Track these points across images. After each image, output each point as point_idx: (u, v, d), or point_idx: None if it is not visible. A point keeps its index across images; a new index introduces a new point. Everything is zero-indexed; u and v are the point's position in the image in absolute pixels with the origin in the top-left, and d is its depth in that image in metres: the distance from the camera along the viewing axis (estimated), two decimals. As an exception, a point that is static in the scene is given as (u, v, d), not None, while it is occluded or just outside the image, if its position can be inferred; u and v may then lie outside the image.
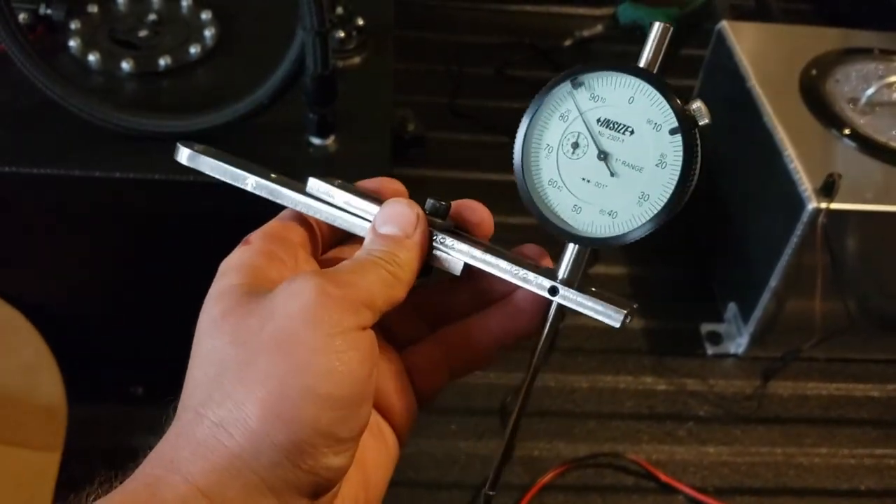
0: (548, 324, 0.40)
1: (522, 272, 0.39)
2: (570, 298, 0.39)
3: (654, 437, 1.00)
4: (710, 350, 1.09)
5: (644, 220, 0.38)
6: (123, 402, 0.95)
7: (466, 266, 0.40)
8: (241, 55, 0.93)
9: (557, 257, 0.41)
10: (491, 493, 0.43)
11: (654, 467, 0.96)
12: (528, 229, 0.43)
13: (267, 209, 0.42)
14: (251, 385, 0.34)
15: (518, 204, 0.40)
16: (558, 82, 0.39)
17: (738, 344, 1.08)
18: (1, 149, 0.79)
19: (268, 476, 0.34)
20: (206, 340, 0.36)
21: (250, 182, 0.42)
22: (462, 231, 0.42)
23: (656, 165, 0.37)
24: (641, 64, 0.38)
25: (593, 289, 0.40)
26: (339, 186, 0.41)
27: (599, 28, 1.51)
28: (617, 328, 0.39)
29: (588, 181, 0.39)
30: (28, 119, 0.82)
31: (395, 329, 0.42)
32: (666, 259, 1.20)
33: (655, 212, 0.37)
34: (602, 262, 1.18)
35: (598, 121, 0.38)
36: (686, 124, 0.37)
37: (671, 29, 0.37)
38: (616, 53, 1.48)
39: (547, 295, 0.39)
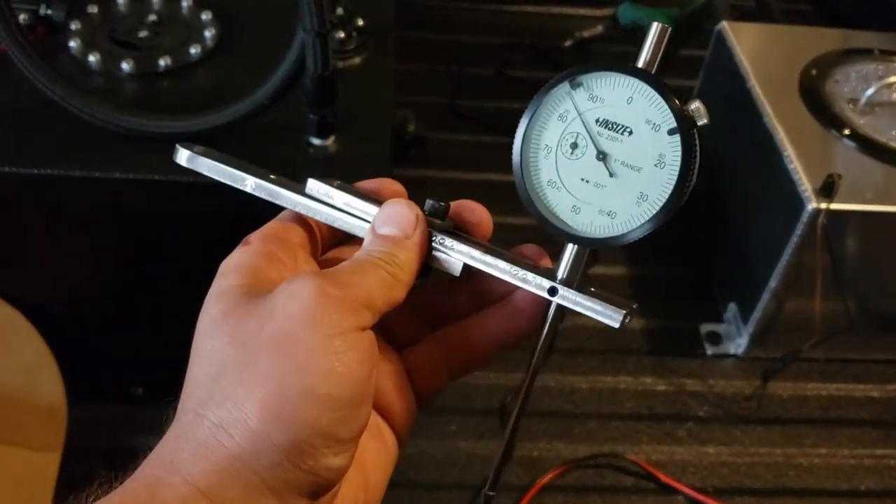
0: (547, 324, 0.40)
1: (522, 272, 0.39)
2: (569, 299, 0.39)
3: (654, 438, 1.00)
4: (710, 350, 1.09)
5: (643, 221, 0.38)
6: (123, 402, 0.95)
7: (466, 267, 0.40)
8: (242, 56, 0.93)
9: (556, 257, 0.41)
10: (491, 493, 0.43)
11: (654, 468, 0.96)
12: (527, 229, 0.43)
13: (266, 210, 0.42)
14: (251, 386, 0.34)
15: (517, 204, 0.40)
16: (557, 83, 0.39)
17: (738, 344, 1.08)
18: (1, 149, 0.79)
19: (268, 476, 0.34)
20: (205, 340, 0.36)
21: (249, 183, 0.42)
22: (461, 232, 0.42)
23: (655, 166, 0.37)
24: (640, 64, 0.38)
25: (592, 289, 0.40)
26: (339, 187, 0.41)
27: (600, 28, 1.51)
28: (616, 328, 0.39)
29: (587, 181, 0.39)
30: (28, 119, 0.83)
31: (394, 330, 0.42)
32: (665, 259, 1.20)
33: (654, 212, 0.37)
34: (601, 262, 1.18)
35: (597, 121, 0.38)
36: (684, 124, 0.37)
37: (669, 30, 0.37)
38: (616, 54, 1.48)
39: (546, 295, 0.39)
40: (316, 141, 0.84)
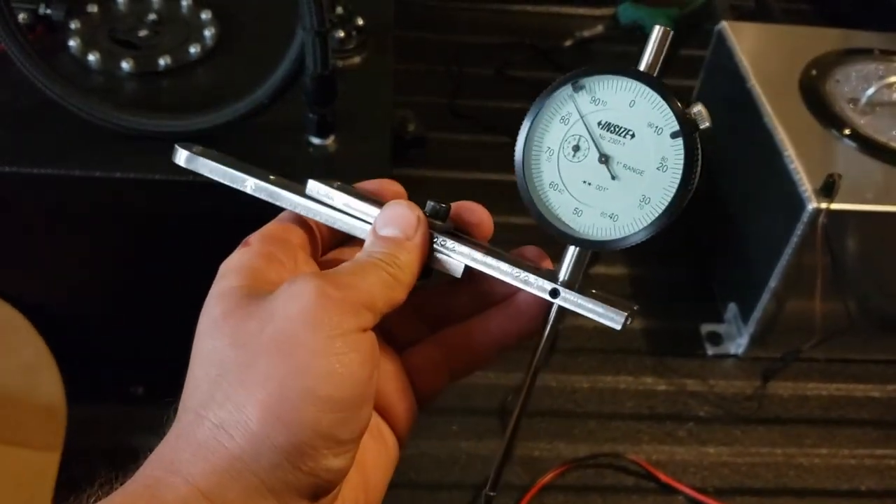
0: (549, 325, 0.40)
1: (523, 274, 0.39)
2: (571, 301, 0.39)
3: (655, 438, 1.00)
4: (711, 350, 1.09)
5: (645, 224, 0.38)
6: (123, 402, 0.95)
7: (467, 268, 0.40)
8: (241, 55, 0.93)
9: (557, 258, 0.41)
10: (492, 493, 0.43)
11: (655, 468, 0.96)
12: (527, 229, 0.43)
13: (266, 210, 0.42)
14: (251, 387, 0.34)
15: (517, 204, 0.40)
16: (559, 85, 0.39)
17: (739, 344, 1.08)
18: (1, 149, 0.79)
19: (268, 478, 0.34)
20: (206, 341, 0.36)
21: (249, 184, 0.42)
22: (462, 233, 0.42)
23: (657, 169, 0.37)
24: (642, 67, 0.38)
25: (594, 290, 0.40)
26: (339, 188, 0.41)
27: (600, 28, 1.51)
28: (618, 330, 0.39)
29: (589, 184, 0.39)
30: (28, 119, 0.82)
31: (395, 331, 0.42)
32: (666, 259, 1.20)
33: (656, 215, 0.37)
34: (602, 263, 1.18)
35: (599, 124, 0.38)
36: (687, 128, 0.37)
37: (671, 33, 0.37)
38: (616, 54, 1.48)
39: (548, 297, 0.39)
40: (316, 140, 0.84)
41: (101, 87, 0.87)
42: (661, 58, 0.38)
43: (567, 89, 0.39)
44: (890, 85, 1.06)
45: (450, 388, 0.43)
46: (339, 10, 0.97)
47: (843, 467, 0.99)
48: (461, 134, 1.34)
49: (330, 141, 0.84)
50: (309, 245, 0.41)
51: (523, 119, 0.40)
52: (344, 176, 0.44)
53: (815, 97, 1.05)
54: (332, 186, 0.41)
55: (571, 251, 0.40)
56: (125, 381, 0.96)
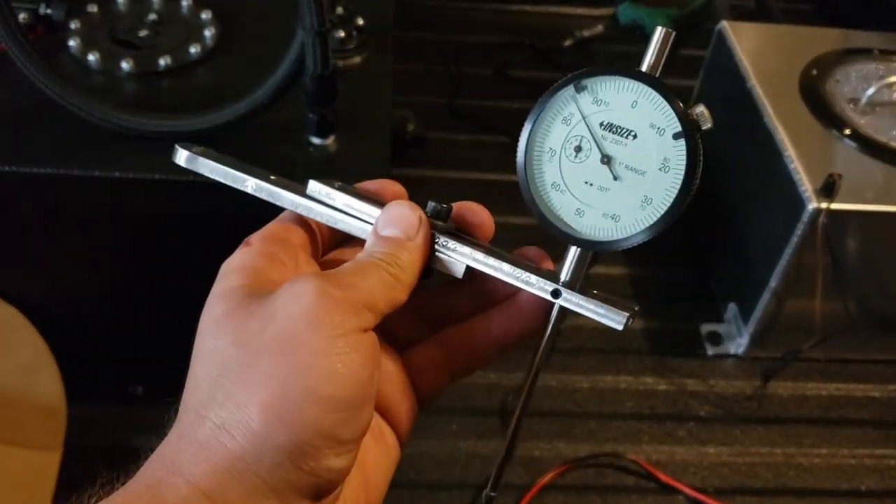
0: (550, 326, 0.40)
1: (525, 275, 0.39)
2: (572, 301, 0.39)
3: (655, 438, 1.00)
4: (711, 350, 1.09)
5: (647, 224, 0.38)
6: (123, 402, 0.95)
7: (468, 268, 0.40)
8: (242, 55, 0.93)
9: (558, 258, 0.41)
10: (493, 494, 0.43)
11: (655, 467, 0.96)
12: (527, 229, 0.43)
13: (267, 210, 0.42)
14: (253, 387, 0.34)
15: (517, 204, 0.40)
16: (561, 86, 0.39)
17: (739, 344, 1.08)
18: (0, 148, 0.79)
19: (269, 478, 0.34)
20: (208, 341, 0.36)
21: (250, 184, 0.42)
22: (463, 233, 0.42)
23: (659, 169, 0.37)
24: (644, 68, 0.38)
25: (595, 291, 0.40)
26: (339, 189, 0.41)
27: (599, 28, 1.51)
28: (619, 331, 0.39)
29: (591, 185, 0.39)
30: (27, 118, 0.82)
31: (396, 331, 0.42)
32: (666, 259, 1.20)
33: (658, 216, 0.37)
34: (602, 263, 1.18)
35: (601, 125, 0.38)
36: (690, 129, 0.37)
37: (673, 34, 0.37)
38: (616, 53, 1.48)
39: (550, 298, 0.39)
40: (316, 140, 0.84)
41: (101, 87, 0.87)
42: (663, 59, 0.38)
43: (569, 90, 0.39)
44: (890, 85, 1.06)
45: (450, 388, 0.43)
46: (340, 10, 0.97)
47: (842, 467, 0.99)
48: (460, 134, 1.34)
49: (330, 141, 0.84)
50: (310, 245, 0.41)
51: (523, 119, 0.40)
52: (344, 176, 0.44)
53: (816, 97, 1.05)
54: (332, 187, 0.41)
55: (573, 252, 0.40)
56: (125, 381, 0.96)
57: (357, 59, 0.96)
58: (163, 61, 0.89)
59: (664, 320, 1.12)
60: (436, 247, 0.40)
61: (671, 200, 0.37)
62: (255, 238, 0.40)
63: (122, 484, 0.34)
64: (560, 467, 0.95)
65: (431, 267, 0.41)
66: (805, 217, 0.92)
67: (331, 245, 0.44)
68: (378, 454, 0.41)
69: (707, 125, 0.37)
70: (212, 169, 0.42)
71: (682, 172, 0.37)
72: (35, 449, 0.83)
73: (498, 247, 0.42)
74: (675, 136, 0.37)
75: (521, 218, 0.42)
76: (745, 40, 1.13)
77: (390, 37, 1.01)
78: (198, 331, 0.37)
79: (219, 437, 0.34)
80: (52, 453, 0.82)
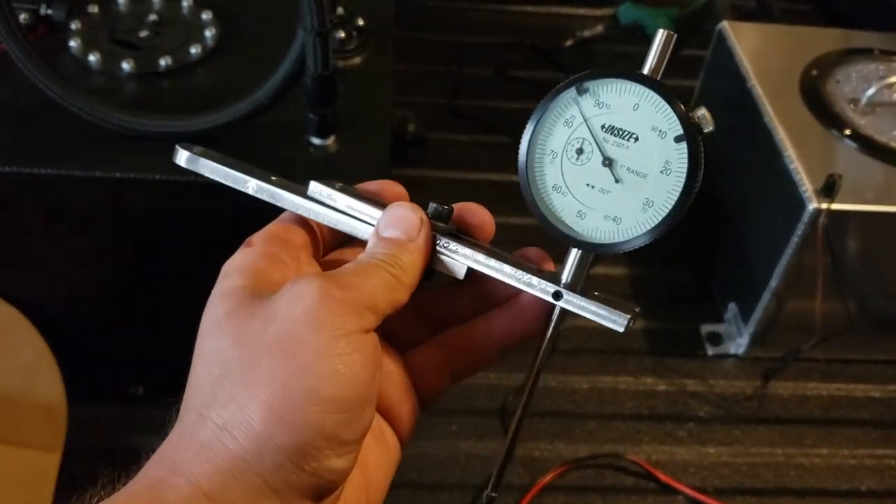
0: (551, 327, 0.40)
1: (526, 277, 0.39)
2: (573, 303, 0.39)
3: (655, 438, 1.00)
4: (711, 350, 1.09)
5: (648, 227, 0.38)
6: (123, 402, 0.95)
7: (469, 270, 0.40)
8: (242, 55, 0.93)
9: (559, 259, 0.41)
10: (494, 494, 0.43)
11: (655, 468, 0.96)
12: (527, 230, 0.43)
13: (267, 210, 0.42)
14: (255, 387, 0.34)
15: (517, 204, 0.40)
16: (563, 88, 0.39)
17: (739, 344, 1.08)
18: (1, 149, 0.79)
19: (271, 478, 0.34)
20: (209, 341, 0.36)
21: (251, 185, 0.41)
22: (464, 234, 0.42)
23: (661, 172, 0.37)
24: (645, 71, 0.38)
25: (596, 293, 0.40)
26: (340, 189, 0.41)
27: (600, 28, 1.51)
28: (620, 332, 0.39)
29: (592, 187, 0.39)
30: (28, 119, 0.82)
31: (397, 332, 0.42)
32: (666, 260, 1.20)
33: (660, 218, 0.37)
34: (602, 264, 1.18)
35: (603, 127, 0.38)
36: (691, 132, 0.37)
37: (675, 36, 0.37)
38: (617, 54, 1.48)
39: (551, 299, 0.39)
40: (316, 140, 0.84)
41: (101, 88, 0.87)
42: (665, 61, 0.38)
43: (571, 92, 0.39)
44: (890, 85, 1.06)
45: (451, 389, 0.44)
46: (340, 10, 0.97)
47: (843, 467, 0.99)
48: (461, 134, 1.34)
49: (330, 141, 0.84)
50: (311, 246, 0.41)
51: (524, 119, 0.40)
52: (344, 176, 0.44)
53: (816, 97, 1.05)
54: (333, 188, 0.41)
55: (574, 253, 0.40)
56: (125, 381, 0.96)
57: (357, 60, 0.96)
58: (163, 62, 0.89)
59: (664, 320, 1.12)
60: (437, 248, 0.40)
61: (672, 203, 0.37)
62: (257, 238, 0.40)
63: (124, 484, 0.34)
64: (560, 468, 0.95)
65: (433, 268, 0.41)
66: (805, 217, 0.92)
67: (332, 246, 0.44)
68: (379, 455, 0.41)
69: (709, 128, 0.37)
70: (212, 170, 0.42)
71: (684, 175, 0.37)
72: (35, 449, 0.83)
73: (499, 247, 0.42)
74: (677, 139, 0.37)
75: (522, 219, 0.42)
76: (745, 40, 1.13)
77: (391, 37, 1.01)
78: (199, 331, 0.37)
79: (220, 438, 0.34)
80: (52, 453, 0.82)
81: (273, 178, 0.42)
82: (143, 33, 0.92)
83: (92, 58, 0.88)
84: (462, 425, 0.98)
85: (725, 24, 1.16)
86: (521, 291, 0.40)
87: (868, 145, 1.00)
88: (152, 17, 0.94)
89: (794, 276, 0.98)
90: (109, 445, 0.85)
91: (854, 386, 1.07)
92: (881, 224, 0.96)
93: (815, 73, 1.09)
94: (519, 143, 0.40)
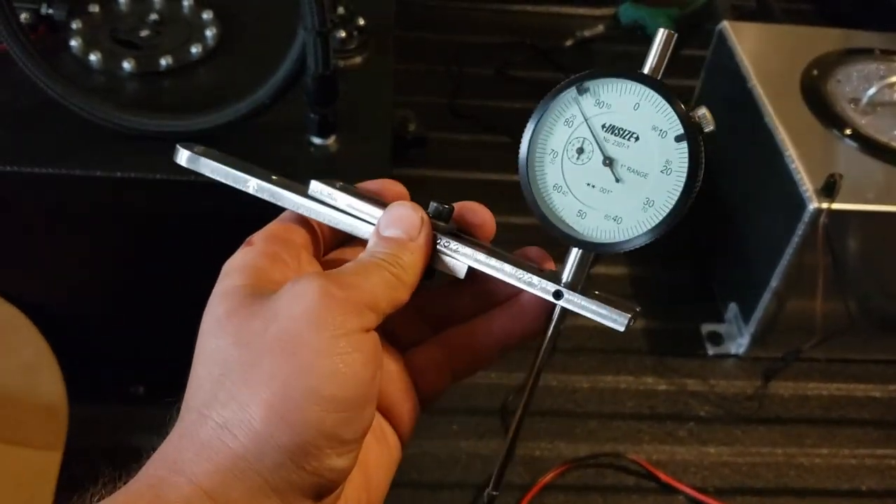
0: (552, 326, 0.40)
1: (527, 276, 0.39)
2: (574, 302, 0.39)
3: (655, 438, 1.00)
4: (711, 350, 1.09)
5: (649, 227, 0.38)
6: (124, 402, 0.95)
7: (470, 269, 0.40)
8: (243, 55, 0.93)
9: (559, 258, 0.41)
10: (495, 493, 0.43)
11: (655, 467, 0.96)
12: (527, 229, 0.43)
13: (267, 210, 0.42)
14: (255, 386, 0.34)
15: (517, 204, 0.40)
16: (563, 88, 0.39)
17: (739, 344, 1.08)
18: (1, 148, 0.79)
19: (271, 477, 0.34)
20: (210, 340, 0.36)
21: (252, 185, 0.42)
22: (465, 233, 0.42)
23: (661, 172, 0.37)
24: (646, 70, 0.38)
25: (596, 292, 0.40)
26: (341, 189, 0.41)
27: (600, 28, 1.51)
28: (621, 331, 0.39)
29: (593, 186, 0.39)
30: (29, 118, 0.82)
31: (398, 331, 0.42)
32: (667, 260, 1.20)
33: (660, 218, 0.38)
34: (602, 263, 1.18)
35: (604, 127, 0.38)
36: (692, 132, 0.37)
37: (675, 36, 0.37)
38: (617, 54, 1.48)
39: (552, 299, 0.39)
40: (317, 140, 0.84)
41: (102, 87, 0.87)
42: (665, 61, 0.38)
43: (571, 92, 0.39)
44: (891, 85, 1.06)
45: (451, 388, 0.44)
46: (341, 10, 0.97)
47: (843, 467, 0.99)
48: (461, 134, 1.34)
49: (331, 141, 0.84)
50: (312, 245, 0.41)
51: (524, 119, 0.40)
52: (345, 176, 0.44)
53: (816, 97, 1.05)
54: (334, 187, 0.41)
55: (574, 253, 0.40)
56: (126, 381, 0.96)
57: (358, 59, 0.96)
58: (164, 61, 0.89)
59: (665, 320, 1.12)
60: (437, 247, 0.40)
61: (673, 203, 0.37)
62: (258, 237, 0.40)
63: (125, 483, 0.34)
64: (561, 467, 0.95)
65: (433, 267, 0.41)
66: (806, 217, 0.92)
67: (332, 245, 0.44)
68: (380, 454, 0.41)
69: (709, 128, 0.37)
70: (213, 169, 0.42)
71: (684, 175, 0.37)
72: (36, 448, 0.83)
73: (499, 247, 0.42)
74: (678, 139, 0.37)
75: (523, 218, 0.42)
76: (746, 40, 1.13)
77: (391, 37, 1.01)
78: (200, 330, 0.37)
79: (221, 437, 0.34)
80: (53, 453, 0.82)
81: (274, 177, 0.42)
82: (144, 33, 0.92)
83: (93, 57, 0.88)
84: (463, 424, 0.98)
85: (726, 24, 1.16)
86: (521, 291, 0.40)
87: (869, 145, 1.00)
88: (153, 16, 0.94)
89: (795, 275, 0.98)
90: (110, 445, 0.85)
91: (854, 386, 1.07)
92: (882, 224, 0.96)
93: (815, 72, 1.09)
94: (519, 142, 0.40)
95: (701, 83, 1.24)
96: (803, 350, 1.03)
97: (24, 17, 0.88)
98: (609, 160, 0.38)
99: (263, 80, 0.78)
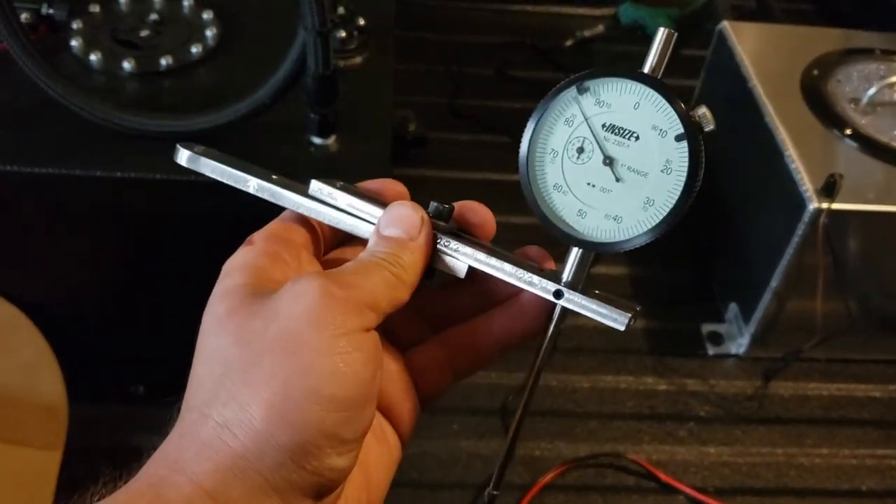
0: (552, 326, 0.40)
1: (527, 275, 0.39)
2: (574, 302, 0.39)
3: (655, 438, 1.00)
4: (711, 350, 1.09)
5: (649, 226, 0.38)
6: (124, 402, 0.95)
7: (470, 269, 0.40)
8: (243, 55, 0.93)
9: (559, 258, 0.41)
10: (495, 492, 0.43)
11: (655, 467, 0.96)
12: (527, 229, 0.43)
13: (267, 209, 0.42)
14: (256, 386, 0.34)
15: (518, 204, 0.40)
16: (564, 87, 0.39)
17: (739, 344, 1.08)
18: (1, 148, 0.79)
19: (272, 477, 0.34)
20: (210, 339, 0.36)
21: (252, 184, 0.42)
22: (465, 233, 0.42)
23: (661, 171, 0.37)
24: (646, 69, 0.38)
25: (597, 291, 0.40)
26: (341, 188, 0.41)
27: (600, 28, 1.51)
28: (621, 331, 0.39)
29: (593, 186, 0.39)
30: (29, 118, 0.82)
31: (398, 331, 0.42)
32: (667, 259, 1.20)
33: (661, 217, 0.38)
34: (603, 263, 1.18)
35: (604, 126, 0.38)
36: (692, 131, 0.37)
37: (675, 35, 0.37)
38: (617, 53, 1.48)
39: (552, 298, 0.39)
40: (317, 140, 0.84)
41: (102, 87, 0.87)
42: (665, 60, 0.38)
43: (571, 91, 0.39)
44: (891, 85, 1.06)
45: (452, 388, 0.44)
46: (341, 10, 0.97)
47: (843, 467, 0.99)
48: (461, 134, 1.34)
49: (331, 141, 0.84)
50: (312, 244, 0.41)
51: (524, 119, 0.40)
52: (345, 175, 0.44)
53: (817, 97, 1.05)
54: (334, 186, 0.41)
55: (575, 252, 0.40)
56: (126, 381, 0.96)
57: (358, 59, 0.96)
58: (164, 61, 0.89)
59: (665, 320, 1.12)
60: (438, 247, 0.40)
61: (673, 202, 0.37)
62: (258, 237, 0.40)
63: (125, 483, 0.34)
64: (561, 467, 0.95)
65: (433, 267, 0.41)
66: (806, 217, 0.92)
67: (332, 244, 0.44)
68: (380, 453, 0.41)
69: (709, 127, 0.37)
70: (213, 169, 0.42)
71: (685, 174, 0.37)
72: (36, 448, 0.83)
73: (499, 246, 0.42)
74: (678, 138, 0.37)
75: (523, 218, 0.42)
76: (746, 40, 1.13)
77: (391, 37, 1.01)
78: (200, 330, 0.37)
79: (221, 436, 0.34)
80: (53, 453, 0.82)
81: (274, 176, 0.42)
82: (145, 33, 0.92)
83: (93, 57, 0.88)
84: (463, 424, 0.98)
85: (726, 24, 1.16)
86: (521, 290, 0.40)
87: (869, 145, 1.00)
88: (153, 16, 0.94)
89: (795, 275, 0.98)
90: (110, 444, 0.85)
91: (855, 386, 1.07)
92: (882, 224, 0.96)
93: (815, 72, 1.09)
94: (519, 142, 0.40)
95: (701, 83, 1.24)
96: (803, 350, 1.03)
97: (24, 16, 0.88)
98: (609, 159, 0.38)
99: (263, 80, 0.78)
